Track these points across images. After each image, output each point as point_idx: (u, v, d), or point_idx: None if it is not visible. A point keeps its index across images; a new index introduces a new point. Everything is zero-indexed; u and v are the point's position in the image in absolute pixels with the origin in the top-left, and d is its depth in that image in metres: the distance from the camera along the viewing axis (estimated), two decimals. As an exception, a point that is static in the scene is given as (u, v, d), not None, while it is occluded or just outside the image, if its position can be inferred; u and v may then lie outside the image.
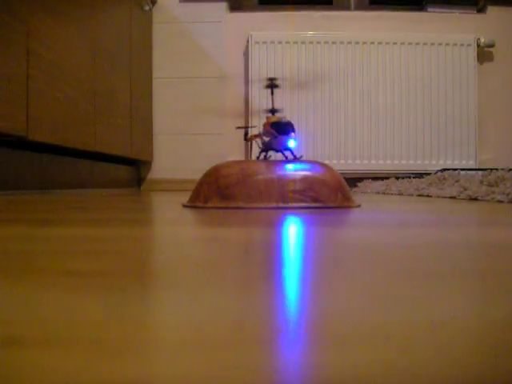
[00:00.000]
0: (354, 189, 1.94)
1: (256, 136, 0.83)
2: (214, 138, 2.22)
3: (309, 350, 0.11)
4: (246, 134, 0.87)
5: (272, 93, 0.80)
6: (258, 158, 0.82)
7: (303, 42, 2.16)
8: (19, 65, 1.09)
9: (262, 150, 0.80)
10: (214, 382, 0.09)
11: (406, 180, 1.58)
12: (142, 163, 2.24)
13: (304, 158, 0.78)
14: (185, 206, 0.72)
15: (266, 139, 0.78)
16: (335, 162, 2.16)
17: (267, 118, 0.78)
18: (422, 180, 1.41)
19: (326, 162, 2.17)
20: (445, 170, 1.90)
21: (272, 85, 0.79)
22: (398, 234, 0.34)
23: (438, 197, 1.11)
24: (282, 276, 0.19)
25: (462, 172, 1.38)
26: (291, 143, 0.73)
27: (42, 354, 0.10)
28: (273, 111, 0.78)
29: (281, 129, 0.73)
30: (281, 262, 0.22)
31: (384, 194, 1.49)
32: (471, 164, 2.18)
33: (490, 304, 0.15)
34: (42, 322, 0.13)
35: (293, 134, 0.73)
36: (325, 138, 2.16)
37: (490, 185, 0.96)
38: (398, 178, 1.97)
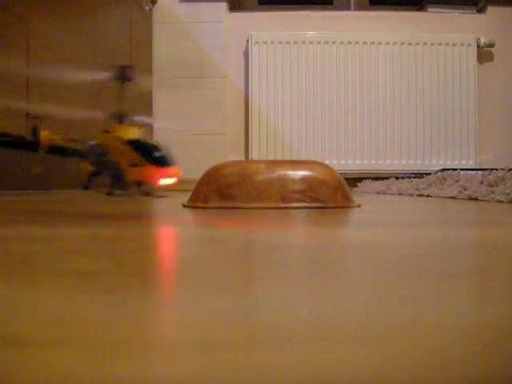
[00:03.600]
0: (354, 189, 1.94)
1: (55, 143, 0.53)
2: (214, 138, 2.22)
3: (308, 350, 0.11)
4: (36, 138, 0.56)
5: (123, 86, 0.49)
6: (86, 186, 0.50)
7: (303, 42, 2.16)
8: (19, 64, 1.09)
9: (94, 174, 0.49)
10: (213, 381, 0.09)
11: (406, 180, 1.58)
12: (142, 163, 2.24)
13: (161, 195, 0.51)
14: (185, 206, 0.72)
15: (98, 159, 0.46)
16: (335, 162, 2.16)
17: (113, 127, 0.48)
18: (422, 180, 1.41)
19: (326, 162, 2.17)
20: (445, 170, 1.90)
21: (123, 76, 0.50)
22: (398, 234, 0.34)
23: (438, 197, 1.11)
24: (281, 276, 0.19)
25: (462, 172, 1.38)
26: (170, 178, 0.46)
27: (42, 354, 0.10)
28: (121, 116, 0.49)
29: (155, 158, 0.46)
30: (281, 262, 0.22)
31: (384, 193, 1.49)
32: (471, 164, 2.18)
33: (489, 304, 0.15)
34: (42, 322, 0.13)
35: (173, 167, 0.47)
36: (325, 137, 2.16)
37: (490, 185, 0.96)
38: (397, 178, 1.97)
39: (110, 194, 0.54)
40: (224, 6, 2.20)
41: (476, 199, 0.93)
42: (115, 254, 0.24)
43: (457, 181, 1.16)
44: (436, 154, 2.18)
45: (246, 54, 2.23)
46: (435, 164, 2.17)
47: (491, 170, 1.15)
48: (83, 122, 1.21)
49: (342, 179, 0.73)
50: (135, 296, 0.16)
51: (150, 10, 2.14)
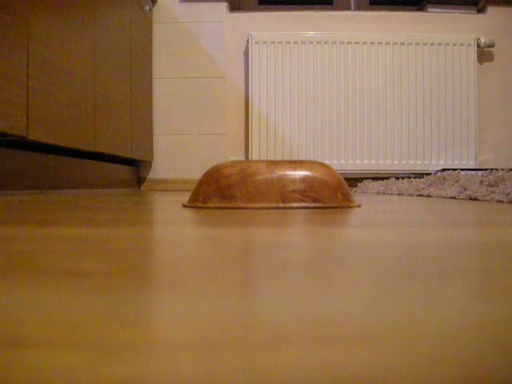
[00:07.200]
0: (354, 189, 1.94)
1: None
2: (214, 138, 2.22)
3: (308, 350, 0.11)
4: None
5: None
6: None
7: (303, 42, 2.16)
8: (19, 65, 1.09)
9: None
10: (213, 381, 0.09)
11: (406, 180, 1.58)
12: (142, 163, 2.24)
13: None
14: (185, 206, 0.72)
15: None
16: (335, 162, 2.16)
17: None
18: (422, 180, 1.41)
19: (326, 162, 2.18)
20: (445, 170, 1.90)
21: None
22: (398, 234, 0.34)
23: (438, 197, 1.11)
24: (280, 276, 0.19)
25: (462, 172, 1.38)
26: None
27: (42, 354, 0.10)
28: None
29: None
30: (280, 262, 0.22)
31: (384, 194, 1.49)
32: (471, 164, 2.18)
33: (489, 303, 0.15)
34: (42, 322, 0.13)
35: None
36: (325, 138, 2.16)
37: (490, 185, 0.96)
38: (397, 178, 1.97)
39: None
40: (224, 6, 2.20)
41: (476, 199, 0.93)
42: (114, 254, 0.24)
43: (457, 181, 1.16)
44: (436, 154, 2.18)
45: (246, 54, 2.23)
46: (435, 164, 2.17)
47: (491, 170, 1.15)
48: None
49: (342, 179, 0.73)
50: (134, 296, 0.16)
51: (150, 9, 2.14)
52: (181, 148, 2.23)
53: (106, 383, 0.09)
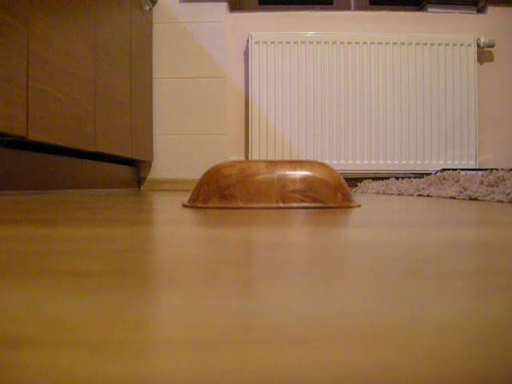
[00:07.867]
0: (354, 189, 1.94)
1: None
2: (214, 138, 2.22)
3: (308, 350, 0.11)
4: None
5: None
6: None
7: (303, 42, 2.16)
8: (19, 65, 1.09)
9: None
10: (213, 381, 0.09)
11: (405, 180, 1.58)
12: (142, 163, 2.24)
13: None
14: (185, 206, 0.72)
15: None
16: (335, 162, 2.16)
17: None
18: (422, 180, 1.41)
19: (326, 162, 2.18)
20: (445, 170, 1.90)
21: None
22: (398, 234, 0.34)
23: (438, 197, 1.11)
24: (280, 276, 0.19)
25: (462, 172, 1.38)
26: None
27: (42, 354, 0.10)
28: None
29: None
30: (280, 262, 0.22)
31: (384, 194, 1.49)
32: (471, 164, 2.18)
33: (489, 304, 0.15)
34: (42, 322, 0.13)
35: None
36: (325, 138, 2.16)
37: (490, 185, 0.96)
38: (397, 178, 1.97)
39: None
40: (224, 6, 2.20)
41: (476, 199, 0.93)
42: (114, 254, 0.24)
43: (457, 181, 1.16)
44: (436, 154, 2.18)
45: (246, 54, 2.23)
46: (435, 164, 2.17)
47: (491, 170, 1.15)
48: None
49: (342, 179, 0.73)
50: (135, 296, 0.16)
51: (150, 10, 2.14)
52: (181, 148, 2.23)
53: (106, 383, 0.09)
